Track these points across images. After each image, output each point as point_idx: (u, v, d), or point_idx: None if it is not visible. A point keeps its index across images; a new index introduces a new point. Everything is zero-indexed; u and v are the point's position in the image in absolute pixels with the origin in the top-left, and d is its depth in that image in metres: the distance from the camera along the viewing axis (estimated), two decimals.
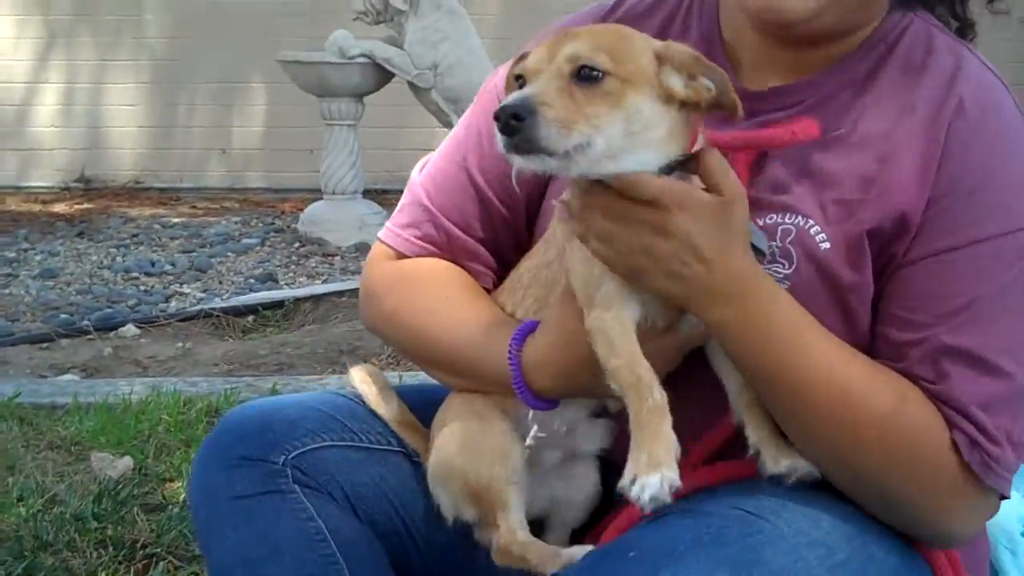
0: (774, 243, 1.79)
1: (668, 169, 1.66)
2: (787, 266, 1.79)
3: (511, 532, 1.89)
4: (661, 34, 1.98)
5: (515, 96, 1.58)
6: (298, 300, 6.79)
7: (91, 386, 4.88)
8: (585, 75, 1.59)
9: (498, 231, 2.08)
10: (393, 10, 8.33)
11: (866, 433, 1.72)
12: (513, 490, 1.89)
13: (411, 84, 8.60)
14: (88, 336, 6.13)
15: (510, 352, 1.87)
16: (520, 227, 2.09)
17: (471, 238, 2.08)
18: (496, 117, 1.56)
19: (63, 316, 6.64)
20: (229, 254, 8.43)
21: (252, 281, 7.60)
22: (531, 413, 1.89)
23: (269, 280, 7.61)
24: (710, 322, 1.72)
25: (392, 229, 2.15)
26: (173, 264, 8.07)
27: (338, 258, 8.23)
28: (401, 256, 2.11)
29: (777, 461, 1.77)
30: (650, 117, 1.63)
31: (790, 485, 1.77)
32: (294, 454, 1.98)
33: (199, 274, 7.83)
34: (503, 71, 2.10)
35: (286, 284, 7.53)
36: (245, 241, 8.86)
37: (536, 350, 1.86)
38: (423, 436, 2.04)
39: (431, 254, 2.09)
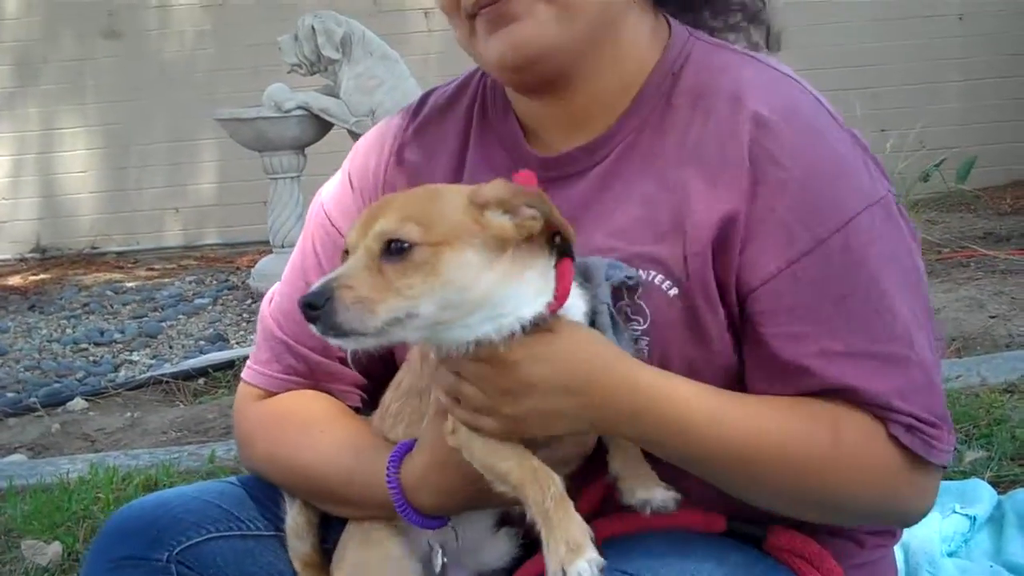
0: (623, 302, 1.79)
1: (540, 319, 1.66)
2: (642, 322, 1.78)
3: None
4: (466, 121, 2.00)
5: (316, 284, 1.59)
6: (247, 359, 6.72)
7: (33, 467, 4.84)
8: (395, 249, 1.59)
9: None
10: (326, 60, 8.32)
11: (820, 470, 1.74)
12: None
13: (351, 132, 8.60)
14: (36, 413, 6.07)
15: (388, 475, 1.86)
16: None
17: (330, 360, 2.07)
18: (298, 305, 1.58)
19: (10, 395, 6.58)
20: (180, 316, 8.37)
21: (202, 343, 7.54)
22: (428, 537, 1.89)
23: (219, 340, 7.55)
24: (628, 438, 1.75)
25: (253, 368, 2.14)
26: (123, 331, 8.00)
27: None
28: (267, 393, 2.09)
29: (633, 493, 1.77)
30: (480, 267, 1.61)
31: (670, 536, 1.80)
32: (179, 549, 1.96)
33: (149, 340, 7.77)
34: (327, 189, 2.11)
35: (236, 343, 7.47)
36: (197, 301, 8.81)
37: (413, 470, 1.85)
38: None
39: (296, 384, 2.07)
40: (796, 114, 1.81)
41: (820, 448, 1.73)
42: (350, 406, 2.10)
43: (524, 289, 1.65)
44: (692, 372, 1.77)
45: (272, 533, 2.06)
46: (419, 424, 1.89)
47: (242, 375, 2.16)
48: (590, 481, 1.84)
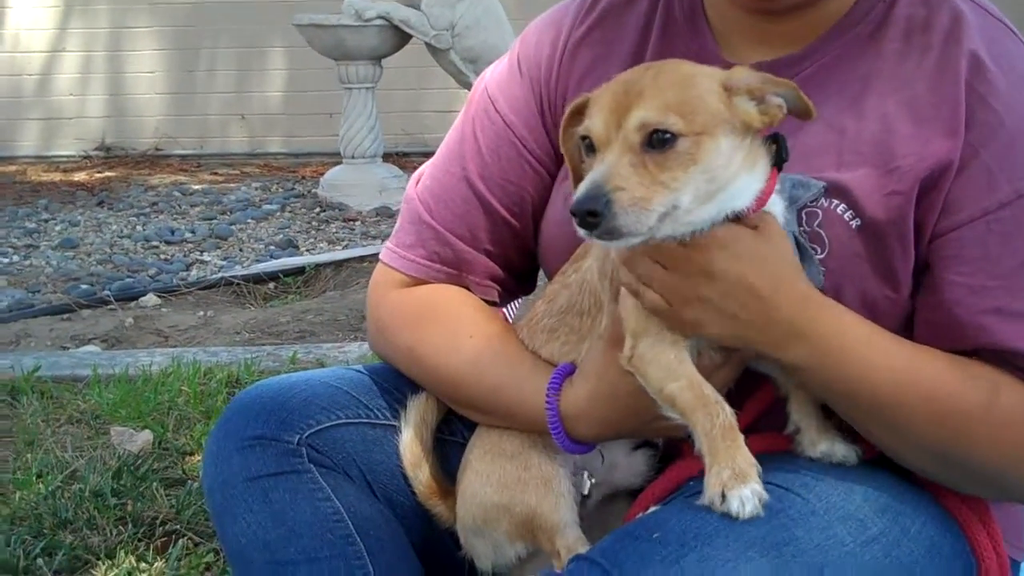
0: (803, 228, 1.73)
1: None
2: (819, 251, 1.72)
3: (574, 551, 1.80)
4: (646, 20, 1.93)
5: (586, 186, 1.52)
6: (319, 266, 6.76)
7: (111, 357, 4.85)
8: (657, 140, 1.53)
9: (505, 239, 2.02)
10: None
11: (965, 429, 1.68)
12: (565, 510, 1.83)
13: (429, 45, 8.52)
14: (109, 307, 6.11)
15: (548, 401, 1.82)
16: (527, 233, 2.03)
17: (478, 251, 2.02)
18: (573, 213, 1.51)
19: (84, 287, 6.62)
20: (249, 221, 8.40)
21: (272, 248, 7.56)
22: (576, 459, 1.86)
23: (290, 246, 7.57)
24: (787, 364, 1.68)
25: (396, 250, 2.07)
26: (193, 232, 8.04)
27: (358, 223, 8.18)
28: (409, 278, 2.05)
29: (815, 444, 1.75)
30: (730, 154, 1.57)
31: None
32: (309, 433, 1.93)
33: (219, 241, 7.80)
34: (491, 73, 2.04)
35: (307, 250, 7.49)
36: (265, 207, 8.83)
37: (576, 400, 1.81)
38: (454, 500, 1.97)
39: (439, 272, 2.02)
40: (1012, 65, 1.75)
41: (972, 408, 1.68)
42: (488, 301, 2.05)
43: (751, 181, 1.61)
44: (868, 309, 1.72)
45: (399, 423, 2.04)
46: (577, 345, 1.85)
47: (381, 256, 2.10)
48: (748, 396, 1.80)
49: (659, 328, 1.66)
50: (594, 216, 1.49)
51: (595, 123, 1.58)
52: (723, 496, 1.54)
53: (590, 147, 1.59)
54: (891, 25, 1.79)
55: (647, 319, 1.67)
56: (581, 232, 1.52)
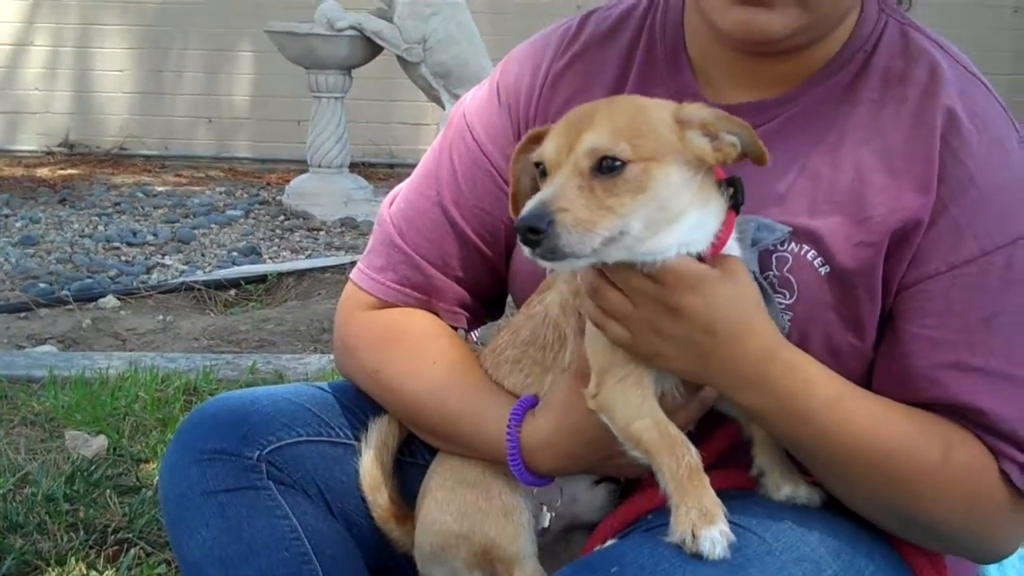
0: (771, 272, 1.74)
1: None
2: (788, 296, 1.74)
3: None
4: (628, 53, 1.94)
5: (531, 205, 1.53)
6: (281, 275, 6.72)
7: (68, 359, 4.81)
8: (606, 167, 1.55)
9: (476, 266, 2.02)
10: None
11: (918, 487, 1.69)
12: (524, 541, 1.83)
13: (400, 58, 8.52)
14: (67, 307, 6.05)
15: (509, 431, 1.82)
16: (499, 260, 2.03)
17: (448, 277, 2.02)
18: (516, 230, 1.53)
19: (42, 285, 6.55)
20: (212, 225, 8.34)
21: (235, 254, 7.51)
22: (535, 491, 1.86)
23: (252, 253, 7.52)
24: (744, 407, 1.69)
25: (366, 272, 2.07)
26: (155, 234, 7.98)
27: (323, 232, 8.15)
28: (378, 301, 2.05)
29: (779, 488, 1.76)
30: (680, 184, 1.59)
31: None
32: (269, 449, 1.93)
33: (181, 245, 7.74)
34: (471, 98, 2.05)
35: (269, 258, 7.45)
36: (229, 212, 8.77)
37: (537, 432, 1.81)
38: (412, 525, 1.97)
39: (408, 296, 2.03)
40: (987, 123, 1.77)
41: (927, 464, 1.69)
42: (455, 327, 2.06)
43: (705, 217, 1.62)
44: (832, 356, 1.73)
45: (359, 442, 2.03)
46: (540, 377, 1.85)
47: (352, 276, 2.10)
48: (709, 435, 1.81)
49: (623, 366, 1.67)
50: (535, 233, 1.50)
51: (548, 148, 1.61)
52: (694, 536, 1.55)
53: (543, 173, 1.61)
54: (870, 75, 1.81)
55: (611, 356, 1.68)
56: (525, 250, 1.53)
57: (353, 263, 2.20)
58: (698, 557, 1.54)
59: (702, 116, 1.61)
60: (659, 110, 1.63)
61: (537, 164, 1.63)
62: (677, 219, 1.59)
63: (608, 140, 1.55)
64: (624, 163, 1.55)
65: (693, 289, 1.61)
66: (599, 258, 1.56)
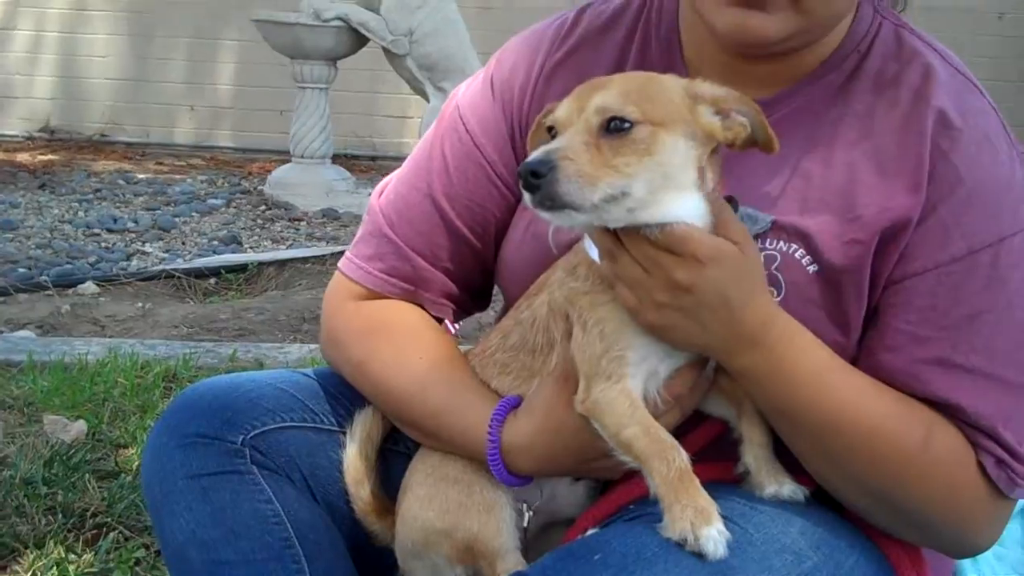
0: None
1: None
2: (776, 294, 1.75)
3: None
4: (622, 50, 1.96)
5: (538, 152, 1.55)
6: (262, 264, 6.71)
7: (47, 344, 4.79)
8: (615, 127, 1.56)
9: (465, 259, 2.03)
10: None
11: (899, 468, 1.71)
12: (507, 535, 1.83)
13: (386, 50, 8.51)
14: (46, 292, 6.02)
15: (491, 430, 1.83)
16: (488, 253, 2.04)
17: (437, 269, 2.02)
18: (518, 174, 1.54)
19: (21, 270, 6.53)
20: (193, 214, 8.33)
21: (216, 243, 7.50)
22: (516, 490, 1.86)
23: (233, 242, 7.51)
24: (736, 368, 1.70)
25: (354, 261, 2.07)
26: (136, 222, 7.95)
27: (304, 223, 8.14)
28: (365, 290, 2.05)
29: (763, 487, 1.76)
30: (686, 155, 1.60)
31: None
32: (253, 434, 1.93)
33: (162, 233, 7.72)
34: (464, 90, 2.05)
35: (250, 247, 7.44)
36: (210, 201, 8.76)
37: (519, 433, 1.81)
38: (393, 519, 1.97)
39: (396, 287, 2.03)
40: (978, 124, 1.78)
41: (908, 447, 1.71)
42: (440, 318, 2.06)
43: (703, 204, 1.62)
44: None
45: (343, 429, 2.03)
46: (528, 381, 1.85)
47: (340, 266, 2.10)
48: (694, 428, 1.81)
49: (609, 370, 1.68)
50: (537, 176, 1.51)
51: (560, 110, 1.63)
52: (695, 536, 1.55)
53: (555, 137, 1.62)
54: (863, 77, 1.83)
55: (597, 361, 1.69)
56: (526, 197, 1.54)
57: (334, 254, 2.20)
58: (700, 556, 1.55)
59: (714, 93, 1.63)
60: (672, 81, 1.65)
61: (550, 129, 1.64)
62: (679, 192, 1.60)
63: (618, 101, 1.57)
64: (632, 124, 1.56)
65: (710, 263, 1.61)
66: (598, 216, 1.56)
